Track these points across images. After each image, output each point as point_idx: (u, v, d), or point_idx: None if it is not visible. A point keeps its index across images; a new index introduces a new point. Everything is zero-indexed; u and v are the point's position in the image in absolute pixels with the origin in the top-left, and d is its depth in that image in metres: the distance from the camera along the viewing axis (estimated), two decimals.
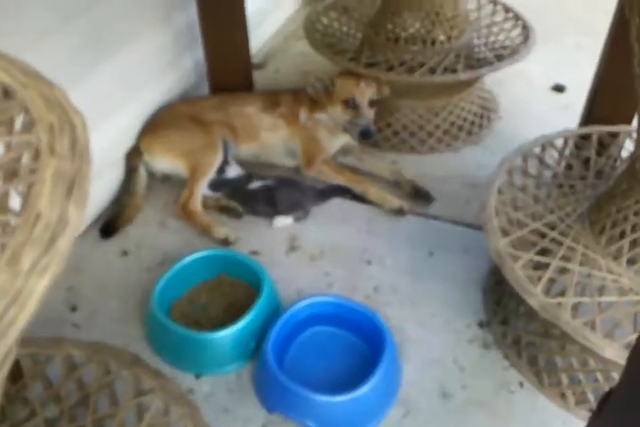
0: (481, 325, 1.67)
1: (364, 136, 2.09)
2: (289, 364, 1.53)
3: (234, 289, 1.75)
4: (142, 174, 2.09)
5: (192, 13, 2.23)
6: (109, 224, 2.00)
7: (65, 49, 1.73)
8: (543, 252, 1.44)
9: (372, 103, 2.10)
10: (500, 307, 1.65)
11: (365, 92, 2.07)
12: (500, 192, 1.59)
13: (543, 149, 1.75)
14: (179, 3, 2.24)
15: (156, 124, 2.16)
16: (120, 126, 2.08)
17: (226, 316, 1.66)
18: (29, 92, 0.57)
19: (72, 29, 1.74)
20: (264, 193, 2.05)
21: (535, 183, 1.69)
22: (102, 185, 2.07)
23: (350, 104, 2.07)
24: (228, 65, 2.34)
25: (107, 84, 1.95)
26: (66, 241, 0.48)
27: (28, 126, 0.57)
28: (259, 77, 2.56)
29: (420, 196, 2.09)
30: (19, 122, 0.59)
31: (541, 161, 1.73)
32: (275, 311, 1.62)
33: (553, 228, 1.49)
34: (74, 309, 1.76)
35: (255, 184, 2.08)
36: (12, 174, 0.56)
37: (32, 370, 1.31)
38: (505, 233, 1.47)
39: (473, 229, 1.93)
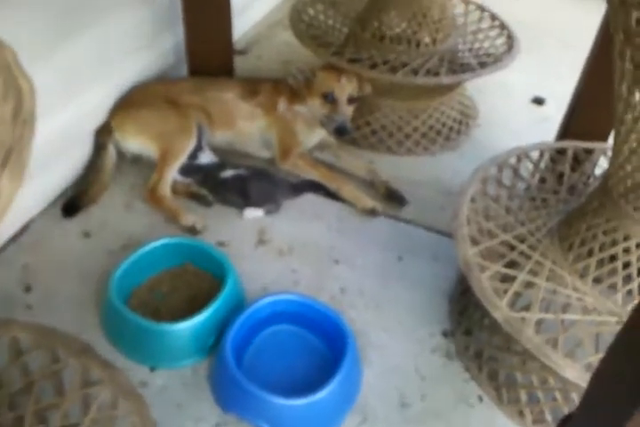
0: (445, 334, 1.67)
1: (339, 132, 2.06)
2: (248, 362, 1.50)
3: (198, 280, 1.71)
4: (111, 153, 2.02)
5: None
6: (72, 202, 1.93)
7: (38, 18, 1.65)
8: (511, 264, 1.44)
9: (351, 100, 2.06)
10: (465, 317, 1.65)
11: (345, 88, 2.04)
12: (472, 200, 1.59)
13: (519, 160, 1.76)
14: None
15: (130, 103, 2.09)
16: (91, 102, 2.00)
17: (187, 307, 1.61)
18: None
19: None
20: (236, 182, 2.00)
21: (508, 194, 1.69)
22: (68, 161, 1.99)
23: (329, 98, 2.03)
24: (208, 48, 2.27)
25: (80, 57, 1.87)
26: None
27: None
28: (240, 63, 2.50)
29: (393, 198, 2.08)
30: None
31: (516, 172, 1.74)
32: (238, 306, 1.58)
33: (522, 240, 1.49)
34: (28, 289, 1.69)
35: (227, 173, 2.03)
36: None
37: None
38: (475, 242, 1.46)
39: (444, 237, 1.92)
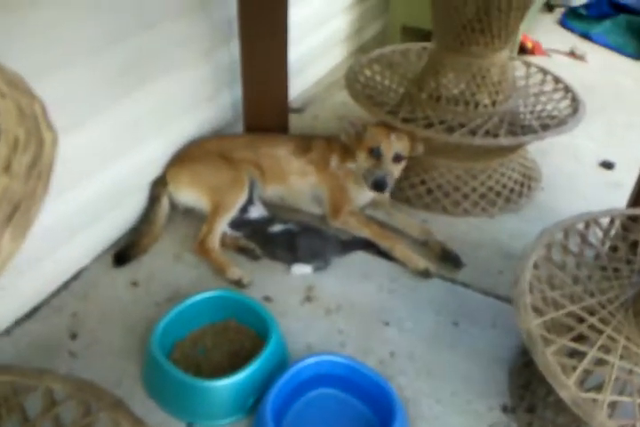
0: (505, 409, 1.52)
1: (376, 186, 1.99)
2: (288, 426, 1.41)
3: (240, 336, 1.66)
4: (164, 205, 2.05)
5: (235, 53, 2.24)
6: (124, 252, 1.94)
7: (105, 71, 1.73)
8: (580, 338, 1.32)
9: (397, 158, 2.02)
10: (528, 392, 1.51)
11: (392, 145, 2.00)
12: (535, 267, 1.49)
13: (587, 226, 1.65)
14: (223, 40, 2.25)
15: (185, 157, 2.13)
16: (149, 154, 2.05)
17: (229, 364, 1.57)
18: (6, 102, 0.51)
19: (115, 52, 1.74)
20: (285, 237, 1.97)
21: (575, 262, 1.58)
22: (123, 211, 2.02)
23: (375, 153, 2.00)
24: (264, 106, 2.33)
25: (140, 113, 1.94)
26: None
27: None
28: (296, 122, 2.55)
29: (449, 259, 1.99)
30: None
31: (584, 239, 1.63)
32: (281, 365, 1.52)
33: (592, 313, 1.37)
34: (74, 336, 1.68)
35: (277, 227, 2.00)
36: None
37: (10, 400, 1.22)
38: (538, 312, 1.35)
39: (503, 302, 1.81)
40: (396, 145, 2.01)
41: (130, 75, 1.84)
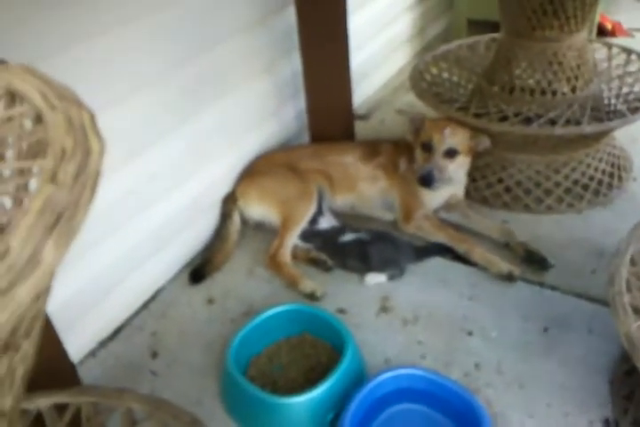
0: (607, 423, 1.38)
1: (422, 182, 1.92)
2: None
3: (316, 350, 1.62)
4: (236, 221, 2.05)
5: (297, 64, 2.23)
6: (199, 270, 1.96)
7: (172, 94, 1.77)
8: None
9: (450, 152, 1.92)
10: (632, 404, 1.36)
11: (445, 139, 1.91)
12: (633, 263, 1.34)
13: None
14: (284, 53, 2.26)
15: (253, 172, 2.14)
16: (219, 171, 2.08)
17: (305, 379, 1.54)
18: (56, 114, 0.51)
19: (182, 73, 1.78)
20: (356, 247, 1.91)
21: None
22: (196, 229, 2.05)
23: (426, 147, 1.93)
24: (329, 115, 2.31)
25: (209, 129, 1.96)
26: (28, 287, 0.38)
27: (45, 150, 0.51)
28: (362, 128, 2.50)
29: (534, 261, 1.86)
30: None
31: None
32: (358, 379, 1.47)
33: None
34: (154, 355, 1.71)
35: (347, 237, 1.95)
36: (17, 203, 0.48)
37: (92, 420, 1.24)
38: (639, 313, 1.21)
39: (599, 305, 1.66)
40: (449, 139, 1.92)
41: (196, 95, 1.87)
